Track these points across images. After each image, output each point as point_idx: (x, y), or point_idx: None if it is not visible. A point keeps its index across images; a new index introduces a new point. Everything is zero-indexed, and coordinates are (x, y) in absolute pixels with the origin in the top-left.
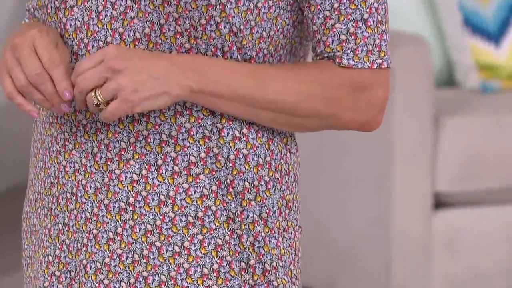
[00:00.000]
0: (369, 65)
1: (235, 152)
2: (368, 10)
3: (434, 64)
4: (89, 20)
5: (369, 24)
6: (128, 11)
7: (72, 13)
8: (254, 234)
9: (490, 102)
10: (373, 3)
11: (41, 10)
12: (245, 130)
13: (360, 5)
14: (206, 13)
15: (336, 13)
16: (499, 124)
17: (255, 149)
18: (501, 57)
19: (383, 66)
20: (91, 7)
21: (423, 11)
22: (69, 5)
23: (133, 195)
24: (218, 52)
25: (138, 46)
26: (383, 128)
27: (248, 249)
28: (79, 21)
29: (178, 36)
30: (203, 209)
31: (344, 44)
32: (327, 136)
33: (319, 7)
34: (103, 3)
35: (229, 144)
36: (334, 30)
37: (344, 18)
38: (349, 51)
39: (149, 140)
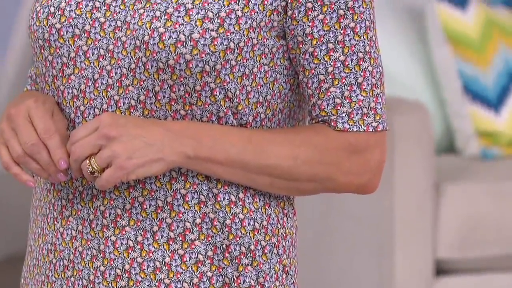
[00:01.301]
0: (365, 128)
1: (231, 217)
2: (362, 73)
3: (435, 130)
4: (86, 88)
5: (363, 87)
6: (123, 78)
7: (70, 81)
8: None
9: (491, 169)
10: (367, 67)
11: (40, 78)
12: (241, 195)
13: (354, 69)
14: (201, 79)
15: (330, 77)
16: (499, 191)
17: (251, 213)
18: (501, 124)
19: (378, 129)
20: (87, 75)
21: (423, 78)
22: (66, 73)
23: (129, 261)
24: (214, 117)
25: (134, 113)
26: (383, 194)
27: None
28: (76, 89)
29: (173, 103)
30: (198, 275)
31: (339, 107)
32: (327, 202)
33: (313, 71)
34: (99, 71)
35: (225, 209)
36: (329, 94)
37: (338, 82)
38: (344, 115)
39: (144, 206)
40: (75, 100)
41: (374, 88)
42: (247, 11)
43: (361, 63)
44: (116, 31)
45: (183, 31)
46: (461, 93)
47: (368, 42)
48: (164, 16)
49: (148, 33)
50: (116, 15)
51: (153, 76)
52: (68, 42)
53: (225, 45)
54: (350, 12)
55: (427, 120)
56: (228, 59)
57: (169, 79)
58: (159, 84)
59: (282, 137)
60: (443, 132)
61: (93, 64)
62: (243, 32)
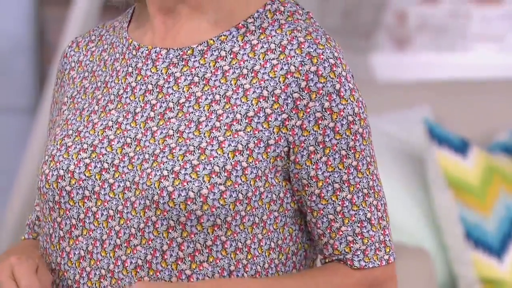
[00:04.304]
0: (379, 263)
1: None
2: (369, 209)
3: (437, 277)
4: (93, 249)
5: (372, 222)
6: (131, 238)
7: (77, 242)
8: None
9: None
10: (373, 201)
11: (44, 238)
12: None
13: (362, 205)
14: (212, 233)
15: (340, 216)
16: None
17: None
18: (504, 272)
19: (390, 261)
20: (95, 236)
21: (424, 224)
22: (74, 234)
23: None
24: (225, 272)
25: (140, 273)
26: None
27: None
28: (83, 250)
29: (179, 262)
30: None
31: (352, 245)
32: None
33: (321, 212)
34: (107, 232)
35: None
36: (341, 233)
37: (348, 221)
38: (358, 252)
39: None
40: (81, 261)
41: (381, 221)
42: (252, 161)
43: (367, 198)
44: (126, 191)
45: (192, 188)
46: (463, 239)
47: (371, 177)
48: (172, 174)
49: (157, 192)
50: (125, 175)
51: (162, 235)
52: (78, 204)
53: (234, 197)
54: (352, 151)
55: (430, 266)
56: (237, 210)
57: (178, 237)
58: (168, 243)
59: (302, 283)
60: (446, 278)
61: (102, 225)
62: (250, 182)
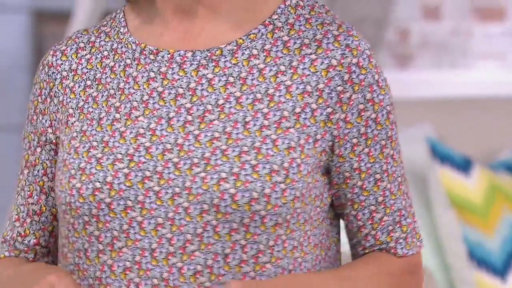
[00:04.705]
0: (416, 250)
1: None
2: (403, 197)
3: None
4: (141, 259)
5: (408, 210)
6: (187, 245)
7: (121, 254)
8: None
9: None
10: (405, 189)
11: (74, 253)
12: None
13: (398, 194)
14: (274, 233)
15: (382, 206)
16: None
17: None
18: None
19: (421, 248)
20: (143, 246)
21: (427, 243)
22: (116, 246)
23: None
24: (285, 272)
25: (199, 279)
26: None
27: None
28: (129, 261)
29: (243, 265)
30: None
31: (392, 234)
32: None
33: (363, 203)
34: (157, 240)
35: None
36: (383, 223)
37: (389, 210)
38: (401, 241)
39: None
40: (127, 272)
41: (411, 209)
42: (304, 157)
43: (401, 187)
44: (175, 197)
45: (255, 188)
46: (466, 258)
47: (402, 165)
48: (232, 176)
49: (217, 195)
50: (172, 182)
51: (224, 238)
52: (120, 215)
53: (293, 195)
54: (390, 141)
55: (432, 286)
56: (295, 208)
57: (242, 239)
58: (230, 246)
59: (363, 274)
60: None
61: (150, 234)
62: (304, 179)
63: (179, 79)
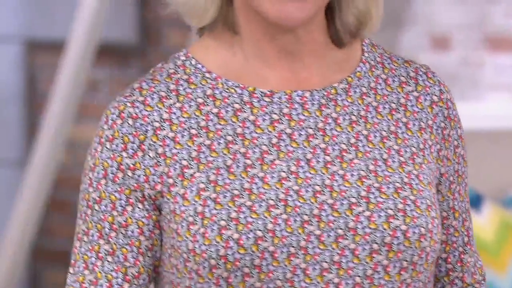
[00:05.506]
0: None
1: None
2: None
3: None
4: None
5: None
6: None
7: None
8: None
9: None
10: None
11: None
12: None
13: (472, 235)
14: (429, 270)
15: (468, 247)
16: None
17: None
18: None
19: None
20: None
21: None
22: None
23: None
24: None
25: None
26: None
27: None
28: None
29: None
30: None
31: (475, 276)
32: None
33: (454, 245)
34: (323, 286)
35: None
36: (468, 265)
37: (472, 251)
38: (477, 285)
39: None
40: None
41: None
42: (434, 193)
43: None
44: (340, 240)
45: (421, 224)
46: None
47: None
48: (399, 212)
49: (389, 233)
50: (333, 224)
51: (394, 278)
52: (284, 263)
53: (440, 230)
54: (466, 178)
55: None
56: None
57: (408, 278)
58: (398, 286)
59: None
60: None
61: (315, 280)
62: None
63: (305, 119)
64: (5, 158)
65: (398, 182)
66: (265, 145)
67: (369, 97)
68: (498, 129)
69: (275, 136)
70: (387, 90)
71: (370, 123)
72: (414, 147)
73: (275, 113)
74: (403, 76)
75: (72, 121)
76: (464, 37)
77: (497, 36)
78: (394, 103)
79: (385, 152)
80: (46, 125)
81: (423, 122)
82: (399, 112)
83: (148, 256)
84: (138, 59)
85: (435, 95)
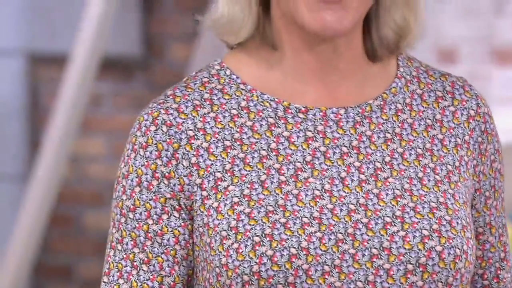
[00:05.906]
0: None
1: None
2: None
3: None
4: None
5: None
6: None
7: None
8: None
9: None
10: None
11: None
12: None
13: (508, 249)
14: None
15: (504, 263)
16: None
17: None
18: None
19: None
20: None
21: None
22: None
23: None
24: None
25: None
26: None
27: None
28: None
29: None
30: None
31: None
32: None
33: (491, 260)
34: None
35: None
36: (505, 281)
37: (508, 267)
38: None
39: None
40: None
41: None
42: (470, 212)
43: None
44: (374, 259)
45: (457, 245)
46: None
47: None
48: (434, 233)
49: (424, 254)
50: (367, 243)
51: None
52: (318, 281)
53: (475, 250)
54: (503, 193)
55: None
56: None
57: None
58: None
59: None
60: None
61: None
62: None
63: (339, 137)
64: (7, 173)
65: (433, 202)
66: (299, 162)
67: (404, 113)
68: (506, 144)
69: (309, 153)
70: (422, 106)
71: (405, 140)
72: (450, 164)
73: (310, 130)
74: (439, 91)
75: (75, 135)
76: (471, 50)
77: (505, 49)
78: (429, 119)
79: (420, 170)
80: (49, 139)
81: (460, 138)
82: (435, 129)
83: (183, 266)
84: (141, 72)
85: (472, 109)
